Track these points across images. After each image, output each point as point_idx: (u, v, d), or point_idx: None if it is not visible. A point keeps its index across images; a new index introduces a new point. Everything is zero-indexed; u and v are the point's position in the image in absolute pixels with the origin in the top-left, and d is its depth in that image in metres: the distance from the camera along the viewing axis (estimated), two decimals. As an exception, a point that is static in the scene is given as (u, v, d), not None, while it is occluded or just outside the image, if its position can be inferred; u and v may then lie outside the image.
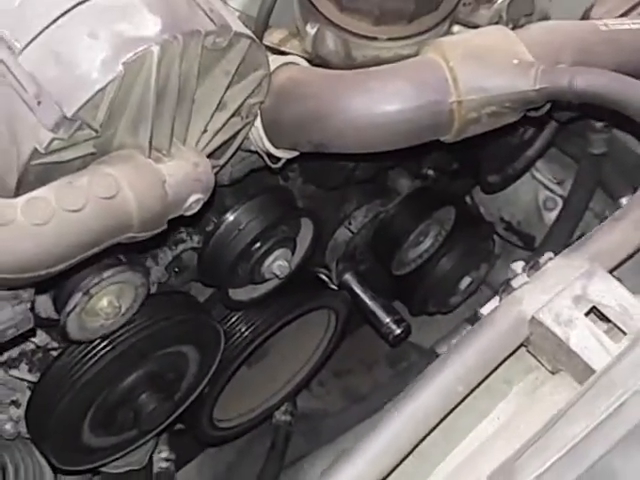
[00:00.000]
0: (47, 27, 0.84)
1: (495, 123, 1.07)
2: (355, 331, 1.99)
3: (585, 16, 1.26)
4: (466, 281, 1.83)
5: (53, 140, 0.83)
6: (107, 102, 0.84)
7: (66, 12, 0.84)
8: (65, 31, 0.84)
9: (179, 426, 1.67)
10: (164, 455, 1.67)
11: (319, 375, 1.97)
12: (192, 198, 0.92)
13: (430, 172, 1.69)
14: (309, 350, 1.76)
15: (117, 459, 1.44)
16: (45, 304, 1.16)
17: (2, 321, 0.91)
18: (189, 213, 0.94)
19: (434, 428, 0.76)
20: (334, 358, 1.87)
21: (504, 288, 0.81)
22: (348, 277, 1.70)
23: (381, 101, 1.02)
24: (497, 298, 0.83)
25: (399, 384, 1.87)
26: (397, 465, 0.74)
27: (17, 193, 0.87)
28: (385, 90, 1.03)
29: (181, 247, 1.33)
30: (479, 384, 0.77)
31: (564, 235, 1.81)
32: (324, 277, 1.65)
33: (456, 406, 0.76)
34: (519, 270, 0.84)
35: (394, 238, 1.66)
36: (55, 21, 0.84)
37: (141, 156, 0.89)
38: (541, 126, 1.74)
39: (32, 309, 0.95)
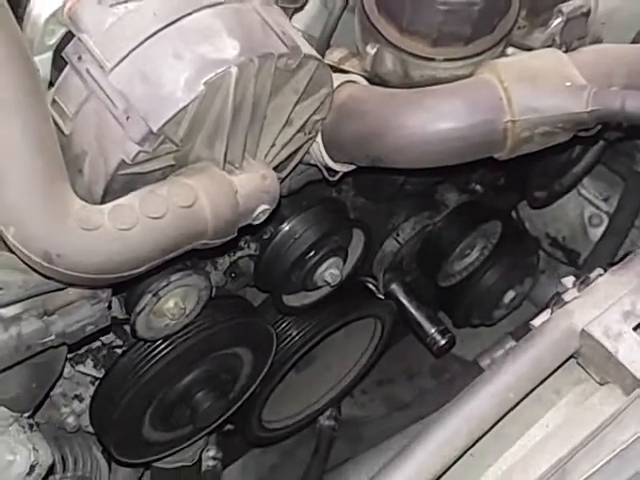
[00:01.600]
0: (135, 48, 0.90)
1: (547, 142, 1.11)
2: (398, 341, 2.01)
3: (636, 39, 1.30)
4: (510, 295, 1.84)
5: (139, 153, 0.89)
6: (188, 119, 0.90)
7: (153, 34, 0.90)
8: (151, 52, 0.91)
9: (229, 427, 1.72)
10: (212, 454, 1.71)
11: (362, 383, 1.99)
12: (260, 208, 0.98)
13: (477, 187, 1.71)
14: (354, 358, 1.79)
15: (171, 454, 1.49)
16: (114, 304, 1.21)
17: (82, 318, 0.98)
18: (257, 222, 1.00)
19: (485, 433, 0.80)
20: (377, 367, 1.90)
21: (555, 301, 0.85)
22: (394, 287, 1.72)
23: (436, 119, 1.06)
24: (548, 311, 0.86)
25: (442, 393, 1.92)
26: (449, 467, 0.78)
27: (103, 201, 0.93)
28: (440, 108, 1.07)
29: (239, 254, 1.38)
30: (529, 392, 0.81)
31: (609, 252, 1.83)
32: (371, 286, 1.69)
33: (507, 413, 0.80)
34: (570, 284, 0.88)
35: (440, 250, 1.68)
36: (142, 43, 0.90)
37: (216, 168, 0.95)
38: (589, 144, 1.77)
39: (109, 308, 1.02)
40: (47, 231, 0.84)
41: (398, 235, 1.65)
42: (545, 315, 0.85)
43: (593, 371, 0.83)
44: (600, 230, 2.00)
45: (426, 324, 1.73)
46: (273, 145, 1.03)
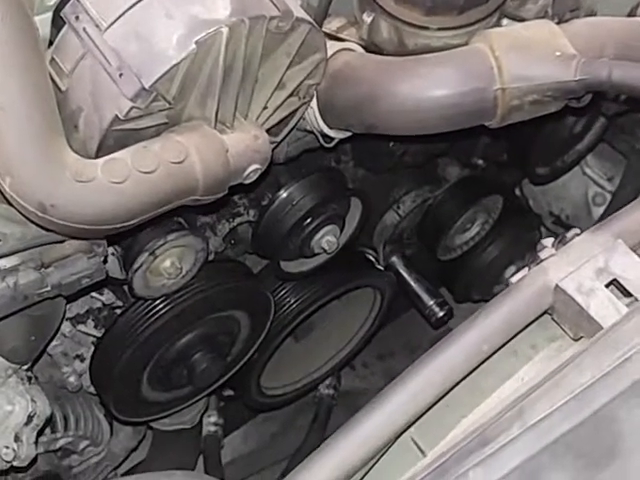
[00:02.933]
0: (130, 8, 0.93)
1: (537, 111, 1.12)
2: (400, 316, 2.04)
3: (632, 14, 1.30)
4: (511, 270, 1.84)
5: (132, 109, 0.92)
6: (180, 77, 0.92)
7: (147, -5, 0.93)
8: (145, 12, 0.93)
9: (228, 392, 1.76)
10: (213, 419, 1.75)
11: (363, 357, 2.03)
12: (251, 167, 1.00)
13: (479, 161, 1.72)
14: (354, 328, 1.82)
15: (170, 415, 1.52)
16: (113, 265, 1.24)
17: (78, 271, 1.01)
18: (248, 181, 1.02)
19: (458, 384, 0.82)
20: (378, 341, 1.92)
21: (532, 259, 0.88)
22: (394, 259, 1.75)
23: (429, 86, 1.08)
24: (526, 269, 0.89)
25: None
26: (420, 416, 0.81)
27: (97, 156, 0.96)
28: (433, 76, 1.09)
29: (238, 220, 1.41)
30: (503, 345, 0.84)
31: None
32: (371, 258, 1.71)
33: (480, 364, 0.82)
34: (549, 244, 0.90)
35: (441, 223, 1.70)
36: (137, 3, 0.93)
37: (208, 127, 0.97)
38: (589, 120, 1.76)
39: (104, 262, 1.05)
40: (42, 182, 0.87)
41: (399, 208, 1.66)
42: (522, 273, 0.88)
43: (567, 327, 0.86)
44: (603, 209, 2.00)
45: (425, 296, 1.75)
46: (265, 107, 1.05)
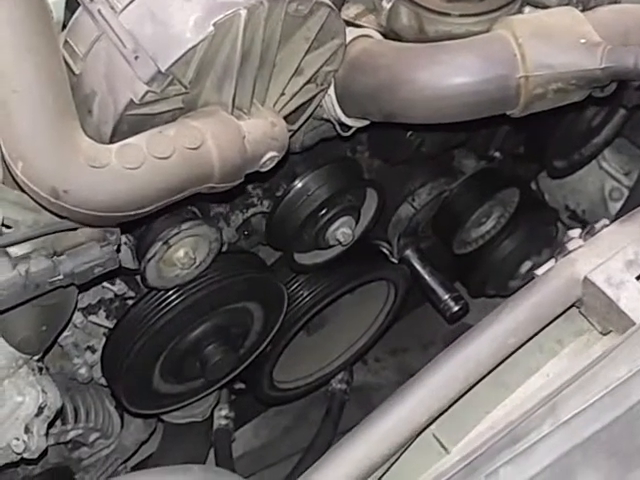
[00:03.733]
0: (146, -11, 0.91)
1: (561, 100, 1.10)
2: (413, 311, 2.02)
3: (659, 0, 1.27)
4: (527, 265, 1.82)
5: (147, 92, 0.90)
6: (197, 60, 0.90)
7: (163, -24, 0.90)
8: (161, -7, 0.91)
9: (240, 385, 1.75)
10: (224, 413, 1.74)
11: (376, 351, 2.02)
12: (268, 155, 0.98)
13: (496, 154, 1.69)
14: (367, 322, 1.79)
15: (182, 408, 1.50)
16: (125, 255, 1.23)
17: (91, 259, 0.99)
18: (264, 169, 1.00)
19: (483, 378, 0.80)
20: (391, 336, 1.90)
21: (559, 251, 0.85)
22: (409, 253, 1.72)
23: (449, 73, 1.06)
24: (552, 260, 0.86)
25: None
26: (444, 411, 0.78)
27: (111, 141, 0.94)
28: (454, 63, 1.07)
29: (251, 211, 1.39)
30: (529, 339, 0.81)
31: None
32: (386, 251, 1.68)
33: (505, 359, 0.80)
34: (576, 235, 0.88)
35: (456, 217, 1.67)
36: (153, -16, 0.91)
37: (224, 112, 0.95)
38: (609, 113, 1.73)
39: (118, 251, 1.03)
40: (55, 167, 0.85)
41: (414, 200, 1.64)
42: (549, 264, 0.85)
43: (595, 320, 0.83)
44: (620, 204, 1.98)
45: (439, 290, 1.73)
46: (283, 94, 1.03)
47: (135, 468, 1.71)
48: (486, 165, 1.69)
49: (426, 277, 1.73)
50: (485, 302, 2.00)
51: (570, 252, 0.84)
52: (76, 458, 1.50)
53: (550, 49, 1.04)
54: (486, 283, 1.86)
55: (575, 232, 0.89)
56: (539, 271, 0.85)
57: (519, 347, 0.79)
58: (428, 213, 1.68)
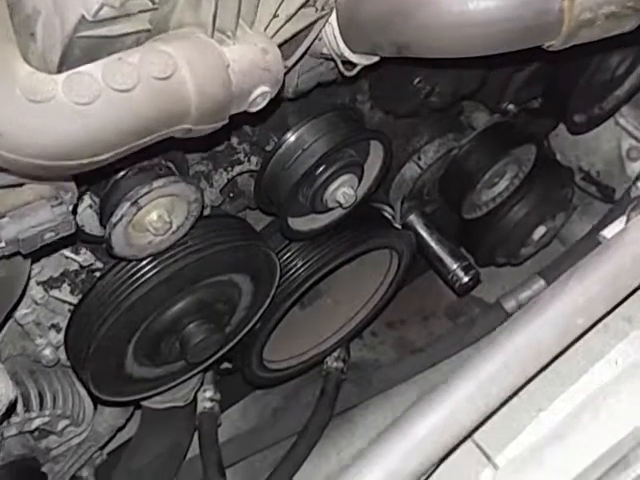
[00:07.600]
0: None
1: (610, 29, 0.97)
2: (412, 280, 1.93)
3: None
4: (540, 231, 1.77)
5: (102, 7, 0.75)
6: (167, -35, 0.74)
7: None
8: None
9: (226, 365, 1.67)
10: (209, 395, 1.68)
11: (371, 325, 1.91)
12: (258, 90, 0.84)
13: (510, 106, 1.60)
14: (367, 294, 1.71)
15: (161, 393, 1.40)
16: (90, 219, 1.12)
17: (40, 222, 0.86)
18: (254, 109, 0.86)
19: (544, 369, 0.64)
20: (387, 307, 1.81)
21: (634, 206, 0.69)
22: (413, 218, 1.63)
23: (477, -6, 0.93)
24: (623, 219, 0.70)
25: (458, 338, 1.82)
26: (500, 406, 0.63)
27: (60, 71, 0.79)
28: (482, -18, 0.93)
29: (237, 169, 1.30)
30: (600, 320, 0.65)
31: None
32: (388, 215, 1.59)
33: (572, 344, 0.64)
34: (648, 189, 0.72)
35: (467, 177, 1.59)
36: None
37: (203, 35, 0.81)
38: (633, 61, 1.63)
39: (74, 212, 0.90)
40: (-17, 102, 0.71)
41: (420, 159, 1.55)
42: (619, 224, 0.69)
43: (676, 294, 0.67)
44: (639, 164, 1.90)
45: (448, 259, 1.64)
46: (276, 15, 0.89)
47: (112, 455, 1.65)
48: (499, 119, 1.60)
49: (432, 245, 1.65)
50: (491, 271, 1.93)
51: (647, 209, 0.68)
52: (43, 448, 1.44)
53: None
54: (496, 250, 1.79)
55: (647, 184, 0.72)
56: (606, 232, 0.69)
57: (588, 329, 0.63)
58: (435, 173, 1.60)
